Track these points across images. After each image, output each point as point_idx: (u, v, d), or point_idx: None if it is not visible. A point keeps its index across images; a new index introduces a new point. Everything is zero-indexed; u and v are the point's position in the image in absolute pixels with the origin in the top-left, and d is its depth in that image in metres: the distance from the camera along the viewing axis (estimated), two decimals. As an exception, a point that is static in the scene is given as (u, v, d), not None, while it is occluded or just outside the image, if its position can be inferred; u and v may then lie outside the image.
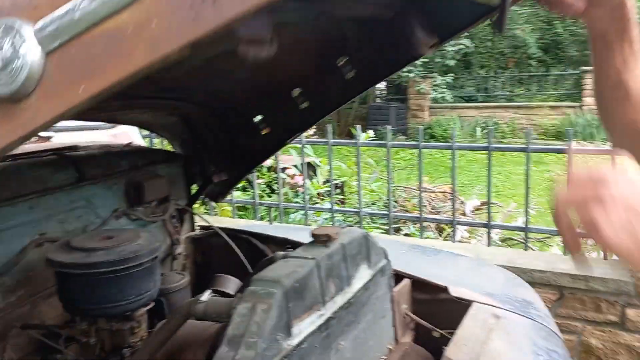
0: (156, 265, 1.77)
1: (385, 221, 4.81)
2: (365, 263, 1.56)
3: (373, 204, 6.73)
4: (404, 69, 6.63)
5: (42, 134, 1.09)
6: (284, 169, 6.32)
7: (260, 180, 6.27)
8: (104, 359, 1.77)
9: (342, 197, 6.89)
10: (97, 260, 1.61)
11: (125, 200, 2.29)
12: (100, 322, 1.74)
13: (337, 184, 7.01)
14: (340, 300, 1.40)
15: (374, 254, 1.62)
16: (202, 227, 2.72)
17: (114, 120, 2.74)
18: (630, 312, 2.91)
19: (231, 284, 1.98)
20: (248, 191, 6.04)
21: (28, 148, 2.09)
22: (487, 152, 3.30)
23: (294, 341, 1.21)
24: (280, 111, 2.16)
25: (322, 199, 6.58)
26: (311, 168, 6.99)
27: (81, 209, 2.10)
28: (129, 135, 5.20)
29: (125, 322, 1.75)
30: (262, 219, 5.20)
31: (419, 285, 1.83)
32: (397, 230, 5.56)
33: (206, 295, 1.36)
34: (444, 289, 1.79)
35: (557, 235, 3.41)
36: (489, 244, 3.52)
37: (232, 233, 2.46)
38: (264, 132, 2.30)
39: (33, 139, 0.97)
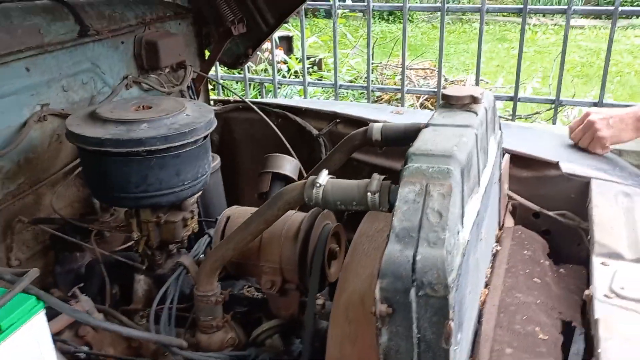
0: (209, 141, 1.39)
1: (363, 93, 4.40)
2: (493, 133, 1.25)
3: (351, 81, 6.33)
4: None
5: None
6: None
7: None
8: (151, 258, 1.44)
9: (319, 75, 6.43)
10: (146, 136, 1.22)
11: (135, 64, 1.83)
12: (144, 213, 1.38)
13: (313, 60, 6.52)
14: (484, 179, 1.10)
15: (497, 121, 1.30)
16: (216, 101, 2.30)
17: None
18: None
19: (287, 164, 1.64)
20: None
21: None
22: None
23: (466, 234, 0.91)
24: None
25: (297, 77, 6.12)
26: (287, 42, 6.42)
27: (86, 73, 1.64)
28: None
29: (176, 213, 1.40)
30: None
31: (522, 161, 1.56)
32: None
33: (324, 176, 1.01)
34: (554, 165, 1.52)
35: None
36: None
37: (261, 107, 2.06)
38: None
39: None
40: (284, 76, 5.69)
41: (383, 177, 0.99)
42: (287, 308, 1.33)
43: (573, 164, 1.53)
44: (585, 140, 1.67)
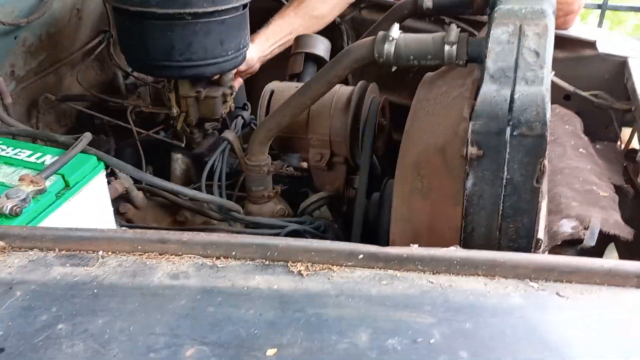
0: (248, 11, 1.33)
1: None
2: None
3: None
4: None
5: None
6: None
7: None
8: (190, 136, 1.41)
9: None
10: (192, -5, 1.15)
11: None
12: (183, 88, 1.33)
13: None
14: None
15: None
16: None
17: None
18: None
19: (320, 43, 1.59)
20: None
21: None
22: None
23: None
24: None
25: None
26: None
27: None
28: None
29: (216, 88, 1.36)
30: None
31: (557, 41, 1.53)
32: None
33: (396, 30, 0.98)
34: (591, 44, 1.52)
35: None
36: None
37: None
38: None
39: None
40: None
41: (459, 28, 0.96)
42: (333, 182, 1.34)
43: (609, 44, 1.53)
44: None
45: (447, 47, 0.95)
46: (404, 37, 0.99)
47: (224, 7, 1.19)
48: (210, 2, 1.16)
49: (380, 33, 1.00)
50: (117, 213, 1.35)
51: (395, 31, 0.99)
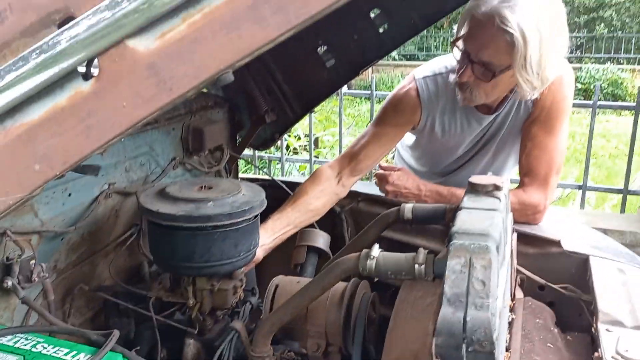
0: (259, 217, 1.59)
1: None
2: (508, 215, 1.47)
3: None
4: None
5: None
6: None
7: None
8: (202, 322, 1.59)
9: (317, 152, 6.75)
10: (213, 213, 1.41)
11: (182, 147, 2.05)
12: (200, 282, 1.55)
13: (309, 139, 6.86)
14: (507, 254, 1.31)
15: (509, 204, 1.52)
16: (243, 179, 2.51)
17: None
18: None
19: (320, 238, 1.83)
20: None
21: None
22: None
23: (500, 301, 1.10)
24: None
25: (298, 153, 6.44)
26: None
27: (144, 155, 1.85)
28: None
29: (228, 281, 1.57)
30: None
31: (527, 239, 1.77)
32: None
33: (376, 250, 1.21)
34: (557, 243, 1.74)
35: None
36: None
37: (287, 185, 2.28)
38: (328, 64, 2.11)
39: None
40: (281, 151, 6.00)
41: (427, 250, 1.19)
42: (329, 369, 1.48)
43: (573, 242, 1.75)
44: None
45: (417, 266, 1.17)
46: (382, 255, 1.21)
47: (239, 219, 1.44)
48: (227, 217, 1.42)
49: (364, 251, 1.23)
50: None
51: (375, 250, 1.22)
